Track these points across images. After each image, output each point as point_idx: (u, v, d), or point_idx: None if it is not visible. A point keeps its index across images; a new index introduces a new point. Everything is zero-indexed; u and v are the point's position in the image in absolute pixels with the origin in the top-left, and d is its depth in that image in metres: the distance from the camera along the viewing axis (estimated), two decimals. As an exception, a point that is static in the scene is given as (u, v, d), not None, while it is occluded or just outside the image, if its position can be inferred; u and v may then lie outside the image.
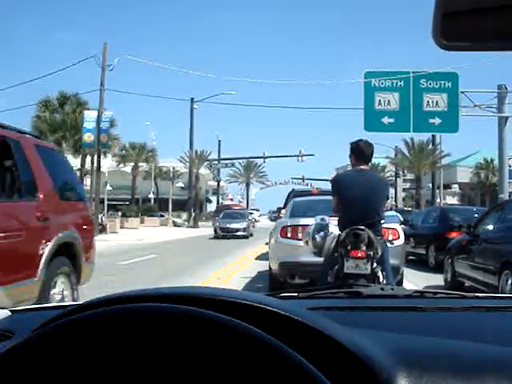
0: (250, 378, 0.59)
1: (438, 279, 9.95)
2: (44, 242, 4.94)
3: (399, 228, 7.67)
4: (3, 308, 1.42)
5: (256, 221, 44.81)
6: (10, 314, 1.40)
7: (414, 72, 20.35)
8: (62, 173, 5.90)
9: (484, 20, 0.78)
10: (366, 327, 0.94)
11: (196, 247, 20.98)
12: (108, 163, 42.40)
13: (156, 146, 54.40)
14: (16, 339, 0.90)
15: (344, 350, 0.69)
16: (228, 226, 28.93)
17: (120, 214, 41.45)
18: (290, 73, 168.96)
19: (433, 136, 34.85)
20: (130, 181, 49.67)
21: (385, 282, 4.87)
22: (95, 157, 28.26)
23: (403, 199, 55.44)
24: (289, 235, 7.64)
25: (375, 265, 4.83)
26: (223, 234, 28.13)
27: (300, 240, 6.79)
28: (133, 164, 49.67)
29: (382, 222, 5.11)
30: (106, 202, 38.32)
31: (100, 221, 27.67)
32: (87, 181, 33.76)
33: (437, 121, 20.21)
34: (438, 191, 38.90)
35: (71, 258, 5.46)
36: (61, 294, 5.23)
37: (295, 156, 49.98)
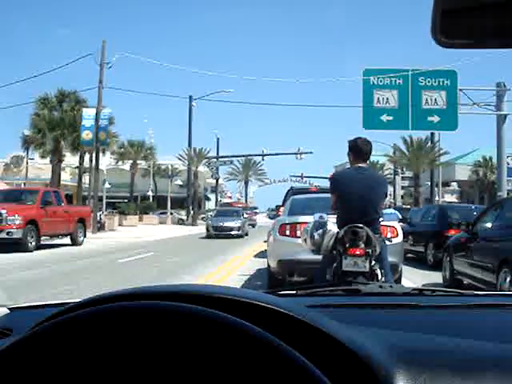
0: (250, 375, 0.59)
1: (436, 277, 9.95)
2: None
3: (398, 226, 7.66)
4: (2, 306, 1.42)
5: (253, 221, 43.07)
6: (8, 311, 1.40)
7: (412, 70, 20.35)
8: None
9: (483, 17, 0.78)
10: (364, 325, 0.94)
11: (196, 246, 20.97)
12: (106, 161, 42.27)
13: (155, 144, 54.34)
14: (14, 337, 0.90)
15: (343, 347, 0.69)
16: (221, 224, 26.17)
17: (118, 211, 41.40)
18: (289, 71, 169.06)
19: (431, 134, 34.81)
20: (128, 178, 49.58)
21: (383, 279, 4.87)
22: (94, 154, 28.19)
23: (402, 197, 55.46)
24: (287, 233, 7.64)
25: (373, 262, 4.83)
26: (216, 233, 25.64)
27: (298, 238, 6.78)
28: (131, 162, 49.59)
29: (381, 219, 5.11)
30: (104, 200, 38.22)
31: (98, 218, 27.63)
32: (86, 179, 33.72)
33: (435, 118, 20.22)
34: (436, 189, 38.96)
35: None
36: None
37: (294, 154, 49.90)
